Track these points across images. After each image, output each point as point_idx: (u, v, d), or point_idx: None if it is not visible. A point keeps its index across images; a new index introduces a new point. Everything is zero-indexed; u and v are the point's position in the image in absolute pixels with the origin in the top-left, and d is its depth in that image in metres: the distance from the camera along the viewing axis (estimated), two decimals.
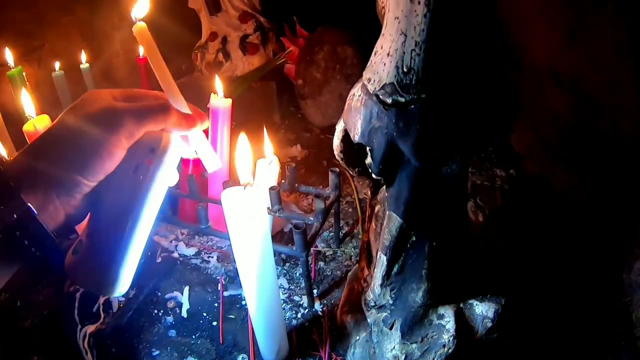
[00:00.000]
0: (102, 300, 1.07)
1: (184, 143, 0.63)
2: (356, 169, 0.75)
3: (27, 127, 0.96)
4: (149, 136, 0.57)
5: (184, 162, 1.21)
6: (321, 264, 1.14)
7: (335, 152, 0.73)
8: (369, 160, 0.68)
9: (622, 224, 1.08)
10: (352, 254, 1.16)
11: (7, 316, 1.18)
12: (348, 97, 0.68)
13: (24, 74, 1.48)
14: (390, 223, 0.72)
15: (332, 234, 1.20)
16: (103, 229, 0.56)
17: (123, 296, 1.07)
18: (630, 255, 1.02)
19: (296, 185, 1.10)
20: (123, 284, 0.57)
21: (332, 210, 1.11)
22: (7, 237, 0.48)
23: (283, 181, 1.11)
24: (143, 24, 0.60)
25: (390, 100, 0.61)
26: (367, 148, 0.67)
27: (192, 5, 1.92)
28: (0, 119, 1.53)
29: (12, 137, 1.32)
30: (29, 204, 0.49)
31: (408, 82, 0.60)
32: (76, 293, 1.10)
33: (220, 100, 1.11)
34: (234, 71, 1.83)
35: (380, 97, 0.62)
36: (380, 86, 0.62)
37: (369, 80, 0.63)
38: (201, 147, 0.66)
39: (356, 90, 0.66)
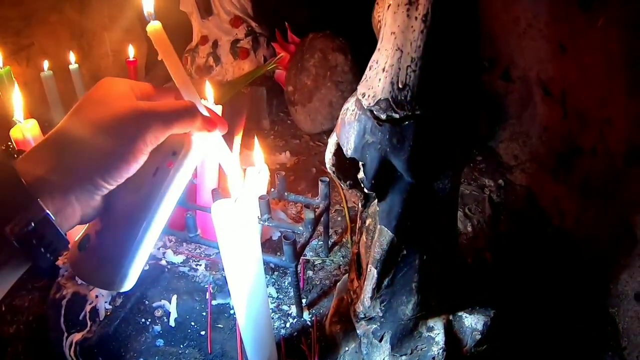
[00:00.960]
0: (88, 308, 1.06)
1: (205, 146, 0.61)
2: (348, 182, 0.75)
3: (14, 133, 0.95)
4: (172, 139, 0.56)
5: None
6: (310, 273, 1.14)
7: (328, 165, 0.73)
8: (361, 175, 0.68)
9: (609, 235, 1.09)
10: (341, 263, 1.16)
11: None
12: (341, 112, 0.68)
13: (12, 74, 1.46)
14: (381, 237, 0.72)
15: (321, 243, 1.20)
16: (116, 226, 0.55)
17: (110, 304, 1.06)
18: (617, 266, 1.02)
19: (285, 194, 1.10)
20: (131, 281, 0.57)
21: (321, 220, 1.11)
22: (23, 244, 0.46)
23: (272, 190, 1.11)
24: (158, 24, 0.57)
25: (385, 116, 0.61)
26: (360, 163, 0.67)
27: (183, 8, 1.91)
28: None
29: None
30: (47, 211, 0.46)
31: (403, 98, 0.60)
32: (62, 300, 1.09)
33: (209, 105, 1.10)
34: (224, 76, 1.82)
35: (375, 112, 0.62)
36: (375, 102, 0.61)
37: (364, 95, 0.63)
38: (221, 151, 0.65)
39: (350, 105, 0.66)
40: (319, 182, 1.05)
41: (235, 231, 0.68)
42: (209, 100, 1.10)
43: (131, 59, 1.75)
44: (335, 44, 1.60)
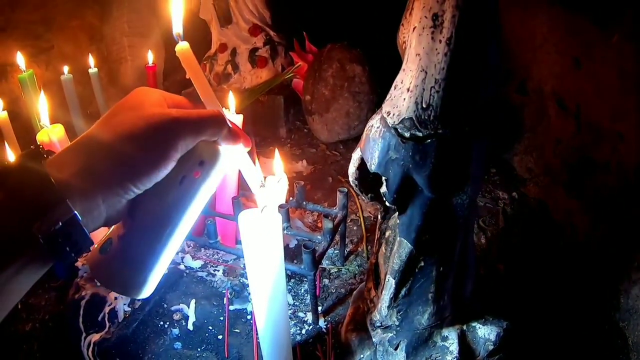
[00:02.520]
0: (107, 309, 1.09)
1: (231, 157, 0.62)
2: (369, 195, 0.77)
3: (41, 137, 0.97)
4: (200, 149, 0.56)
5: None
6: (326, 281, 1.16)
7: (350, 179, 0.75)
8: (383, 189, 0.70)
9: (621, 250, 1.10)
10: (357, 272, 1.18)
11: (7, 319, 1.19)
12: (366, 128, 0.70)
13: (34, 77, 1.49)
14: (400, 249, 0.74)
15: (337, 252, 1.22)
16: (139, 232, 0.55)
17: (129, 306, 1.09)
18: (628, 281, 1.04)
19: (304, 203, 1.12)
20: (150, 287, 0.58)
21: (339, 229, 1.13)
22: (50, 243, 0.47)
23: (291, 199, 1.13)
24: (186, 44, 0.59)
25: (409, 134, 0.63)
26: (383, 178, 0.69)
27: (203, 15, 1.94)
28: (8, 121, 1.55)
29: (16, 135, 1.34)
30: (75, 212, 0.47)
31: (426, 117, 0.62)
32: (81, 301, 1.12)
33: (231, 116, 1.12)
34: (242, 83, 1.85)
35: (399, 130, 0.64)
36: (400, 120, 0.64)
37: (388, 113, 0.65)
38: (246, 164, 0.66)
39: (374, 122, 0.69)
40: (338, 193, 1.08)
41: (261, 240, 0.71)
42: (230, 109, 1.13)
43: (150, 64, 1.78)
44: (353, 55, 1.62)
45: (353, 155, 0.74)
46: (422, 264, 0.76)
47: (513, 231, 1.34)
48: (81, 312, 1.10)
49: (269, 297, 0.80)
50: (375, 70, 1.62)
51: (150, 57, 1.78)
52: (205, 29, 2.00)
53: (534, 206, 1.43)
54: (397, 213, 0.75)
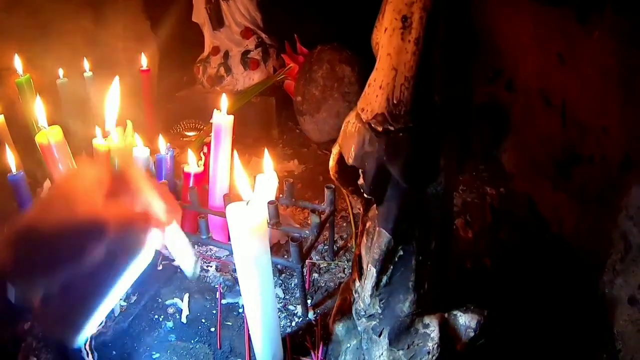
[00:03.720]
0: None
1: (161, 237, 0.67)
2: (349, 188, 0.81)
3: (40, 139, 1.00)
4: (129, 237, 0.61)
5: (185, 176, 1.27)
6: (315, 275, 1.19)
7: (331, 172, 0.79)
8: (361, 181, 0.74)
9: (606, 241, 1.13)
10: (346, 266, 1.21)
11: (6, 318, 1.22)
12: (344, 123, 0.74)
13: (31, 82, 1.52)
14: (380, 239, 0.78)
15: (327, 247, 1.25)
16: (75, 293, 0.59)
17: (124, 301, 1.12)
18: (612, 272, 1.06)
19: (293, 199, 1.16)
20: (84, 336, 0.62)
21: (327, 225, 1.16)
22: None
23: (281, 196, 1.16)
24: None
25: (381, 129, 0.67)
26: (360, 170, 0.73)
27: (196, 19, 1.97)
28: (4, 125, 1.58)
29: (14, 139, 1.37)
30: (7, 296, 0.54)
31: (397, 113, 0.66)
32: None
33: (222, 117, 1.16)
34: (235, 85, 1.88)
35: (372, 125, 0.68)
36: (372, 116, 0.67)
37: (363, 110, 0.69)
38: (177, 243, 0.73)
39: (351, 118, 0.72)
40: (325, 189, 1.11)
41: (247, 230, 0.75)
42: (222, 110, 1.16)
43: (144, 68, 1.81)
44: (343, 56, 1.66)
45: (332, 150, 0.78)
46: (401, 253, 0.80)
47: (500, 226, 1.37)
48: None
49: (257, 286, 0.84)
50: (365, 71, 1.65)
51: (144, 61, 1.81)
52: (198, 32, 2.03)
53: (521, 201, 1.46)
54: (375, 204, 0.79)
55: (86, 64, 1.82)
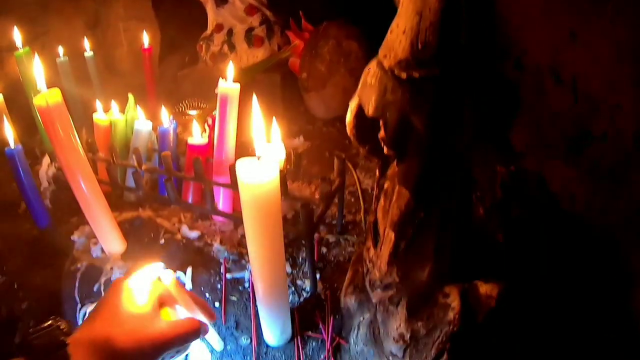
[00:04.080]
0: (103, 279, 1.08)
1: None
2: (367, 147, 0.77)
3: (38, 101, 0.95)
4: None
5: (189, 148, 1.22)
6: (324, 250, 1.15)
7: (348, 128, 0.75)
8: (382, 133, 0.69)
9: (621, 217, 1.10)
10: (355, 241, 1.17)
11: (3, 298, 1.18)
12: (363, 73, 0.70)
13: (31, 54, 1.48)
14: (399, 199, 0.74)
15: (335, 222, 1.21)
16: None
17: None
18: (627, 246, 1.03)
19: (301, 170, 1.12)
20: None
21: (336, 199, 1.12)
22: None
23: (288, 167, 1.12)
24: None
25: (405, 76, 0.63)
26: (381, 122, 0.68)
27: None
28: (3, 104, 1.55)
29: (15, 118, 1.34)
30: None
31: (422, 58, 0.62)
32: (77, 272, 1.11)
33: (228, 86, 1.12)
34: (239, 63, 1.84)
35: (395, 72, 0.63)
36: (396, 62, 0.63)
37: (385, 56, 0.65)
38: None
39: (372, 66, 0.68)
40: (335, 158, 1.07)
41: (258, 186, 0.70)
42: (228, 79, 1.12)
43: (146, 46, 1.77)
44: (349, 32, 1.61)
45: (350, 103, 0.73)
46: (422, 215, 0.75)
47: (511, 203, 1.33)
48: (77, 283, 1.09)
49: (266, 252, 0.79)
50: (372, 47, 1.61)
51: (145, 39, 1.77)
52: (200, 12, 1.98)
53: (531, 178, 1.42)
54: (395, 162, 0.74)
55: (87, 44, 1.78)
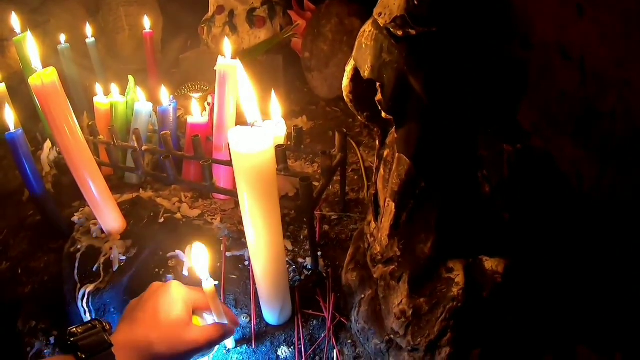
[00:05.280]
0: (102, 259, 1.06)
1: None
2: (365, 114, 0.74)
3: (33, 81, 0.93)
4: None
5: (189, 127, 1.21)
6: (326, 227, 1.13)
7: (344, 93, 0.72)
8: (379, 96, 0.66)
9: (632, 194, 1.07)
10: (357, 218, 1.14)
11: (7, 283, 1.17)
12: (359, 35, 0.67)
13: (31, 38, 1.46)
14: (399, 166, 0.71)
15: (338, 199, 1.19)
16: None
17: (124, 255, 1.06)
18: (638, 223, 1.01)
19: (302, 147, 1.09)
20: None
21: (338, 177, 1.10)
22: None
23: (289, 143, 1.10)
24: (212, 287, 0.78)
25: (401, 33, 0.60)
26: (378, 85, 0.65)
27: None
28: (5, 92, 1.53)
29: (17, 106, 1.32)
30: None
31: (419, 13, 0.59)
32: (77, 253, 1.09)
33: (227, 62, 1.09)
34: (241, 44, 1.81)
35: (391, 30, 0.60)
36: (391, 19, 0.60)
37: (380, 14, 0.62)
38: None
39: (366, 27, 0.65)
40: (336, 133, 1.04)
41: (252, 156, 0.67)
42: (226, 56, 1.10)
43: (147, 30, 1.76)
44: (352, 9, 1.58)
45: (346, 67, 0.71)
46: (423, 184, 0.73)
47: (518, 181, 1.30)
48: (76, 264, 1.07)
49: (264, 225, 0.77)
50: None
51: (147, 23, 1.76)
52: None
53: (538, 156, 1.39)
54: (394, 128, 0.71)
55: (88, 30, 1.77)
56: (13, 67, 1.96)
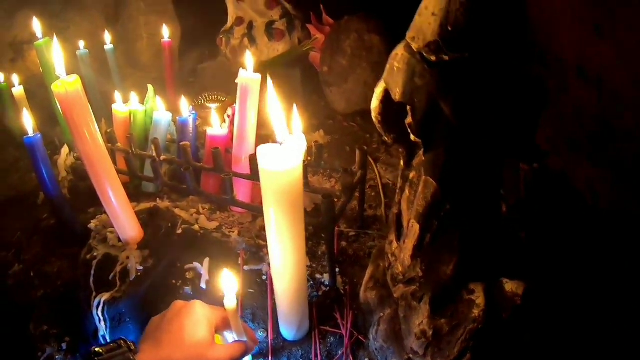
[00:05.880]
0: (119, 268, 1.06)
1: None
2: (392, 135, 0.74)
3: (57, 88, 0.94)
4: None
5: (209, 139, 1.21)
6: (344, 244, 1.13)
7: (373, 114, 0.73)
8: (409, 119, 0.67)
9: None
10: (375, 236, 1.14)
11: (20, 286, 1.18)
12: (390, 57, 0.67)
13: (52, 44, 1.47)
14: (425, 189, 0.71)
15: (356, 215, 1.19)
16: None
17: (141, 266, 1.06)
18: None
19: (322, 162, 1.09)
20: None
21: (357, 193, 1.10)
22: None
23: (309, 158, 1.10)
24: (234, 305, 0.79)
25: (434, 58, 0.60)
26: (408, 107, 0.66)
27: None
28: (24, 95, 1.54)
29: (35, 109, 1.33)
30: None
31: (452, 40, 0.59)
32: (93, 261, 1.09)
33: (249, 76, 1.10)
34: (259, 57, 1.82)
35: (425, 54, 0.61)
36: (425, 44, 0.61)
37: (413, 38, 0.62)
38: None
39: (399, 50, 0.66)
40: (357, 151, 1.04)
41: (280, 173, 0.68)
42: (248, 69, 1.10)
43: (166, 39, 1.77)
44: (372, 25, 1.59)
45: (376, 89, 0.71)
46: (448, 207, 0.73)
47: (534, 200, 1.30)
48: (92, 271, 1.07)
49: (288, 243, 0.77)
50: (394, 41, 1.58)
51: (166, 32, 1.77)
52: (220, 7, 1.97)
53: (555, 175, 1.39)
54: (422, 151, 0.72)
55: (107, 37, 1.78)
56: (32, 71, 1.99)
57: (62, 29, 2.10)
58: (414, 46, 0.62)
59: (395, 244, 0.84)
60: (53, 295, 1.13)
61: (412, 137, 0.70)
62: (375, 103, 0.71)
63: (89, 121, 0.98)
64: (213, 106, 1.78)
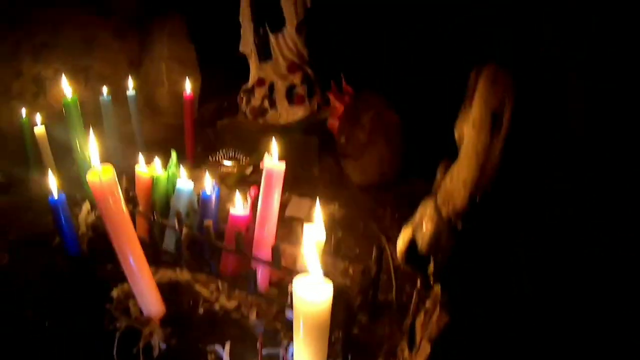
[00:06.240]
0: (142, 344, 1.11)
1: None
2: (412, 267, 0.81)
3: (92, 177, 1.00)
4: None
5: (232, 218, 1.26)
6: (355, 331, 1.17)
7: (399, 256, 0.79)
8: (431, 269, 0.73)
9: None
10: (386, 325, 1.19)
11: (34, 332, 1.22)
12: (418, 211, 0.74)
13: (78, 104, 1.53)
14: (440, 320, 0.77)
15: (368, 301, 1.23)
16: None
17: (165, 343, 1.11)
18: None
19: (341, 252, 1.15)
20: None
21: None
22: None
23: (327, 248, 1.16)
24: None
25: (461, 227, 0.67)
26: (432, 258, 0.72)
27: (243, 49, 1.98)
28: (45, 135, 1.60)
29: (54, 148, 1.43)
30: None
31: (478, 212, 0.66)
32: (116, 332, 1.14)
33: (274, 163, 1.16)
34: (278, 119, 1.89)
35: (452, 221, 0.68)
36: (455, 212, 0.67)
37: (444, 203, 0.69)
38: None
39: (429, 209, 0.72)
40: (374, 249, 1.10)
41: (312, 304, 0.75)
42: (273, 156, 1.16)
43: (188, 93, 1.82)
44: (390, 102, 1.66)
45: (402, 234, 0.77)
46: (460, 337, 0.79)
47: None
48: (115, 343, 1.12)
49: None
50: (409, 119, 1.65)
51: (187, 87, 1.82)
52: (242, 59, 2.03)
53: None
54: (440, 289, 0.78)
55: (130, 82, 1.84)
56: (54, 108, 2.04)
57: (84, 68, 2.17)
58: (443, 211, 0.68)
59: (406, 352, 0.90)
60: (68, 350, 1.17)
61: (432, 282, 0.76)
62: (401, 247, 0.77)
63: (120, 208, 1.03)
64: (228, 163, 1.83)
